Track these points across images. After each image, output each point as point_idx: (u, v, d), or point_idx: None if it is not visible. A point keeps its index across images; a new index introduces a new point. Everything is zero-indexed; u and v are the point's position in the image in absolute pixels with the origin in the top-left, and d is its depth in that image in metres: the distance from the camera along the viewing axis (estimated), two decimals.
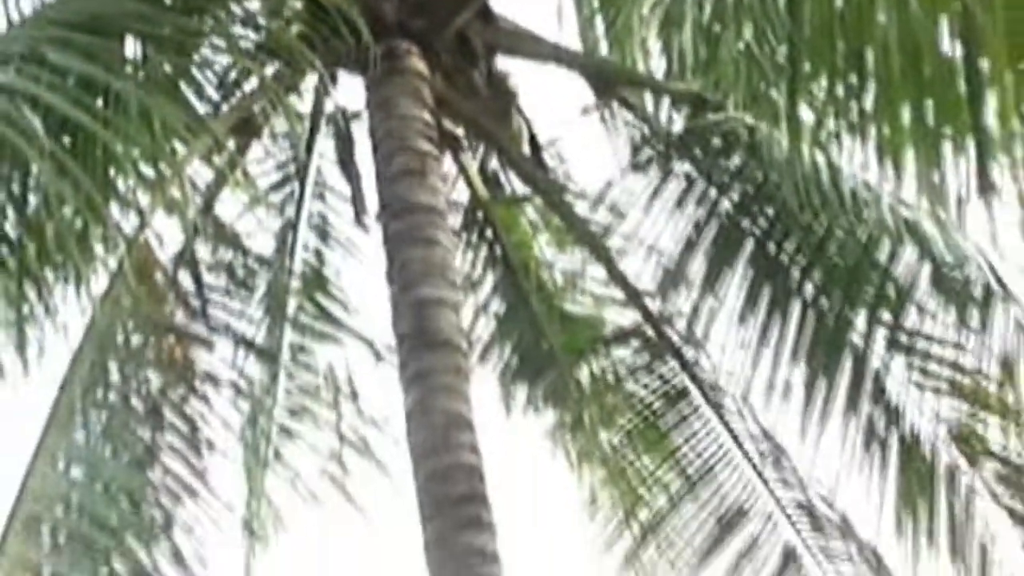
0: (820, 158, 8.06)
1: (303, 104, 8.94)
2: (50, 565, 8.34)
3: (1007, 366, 8.56)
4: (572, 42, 8.81)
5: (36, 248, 7.64)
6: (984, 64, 6.17)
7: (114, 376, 8.71)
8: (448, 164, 8.93)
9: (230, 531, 9.06)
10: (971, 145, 7.10)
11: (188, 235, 8.96)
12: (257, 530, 9.11)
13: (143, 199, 7.97)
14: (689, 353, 9.39)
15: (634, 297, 9.39)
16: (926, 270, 8.50)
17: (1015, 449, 8.84)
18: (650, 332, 9.44)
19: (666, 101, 8.95)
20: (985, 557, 9.00)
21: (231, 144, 8.82)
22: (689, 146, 8.94)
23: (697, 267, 9.03)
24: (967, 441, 8.90)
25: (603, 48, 8.85)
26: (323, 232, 9.34)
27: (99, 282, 8.50)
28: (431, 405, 7.91)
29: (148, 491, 8.66)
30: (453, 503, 7.76)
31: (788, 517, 9.35)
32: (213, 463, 9.08)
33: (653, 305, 9.36)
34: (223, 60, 7.99)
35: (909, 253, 8.49)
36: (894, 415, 8.92)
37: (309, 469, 9.46)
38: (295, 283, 9.31)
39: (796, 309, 8.88)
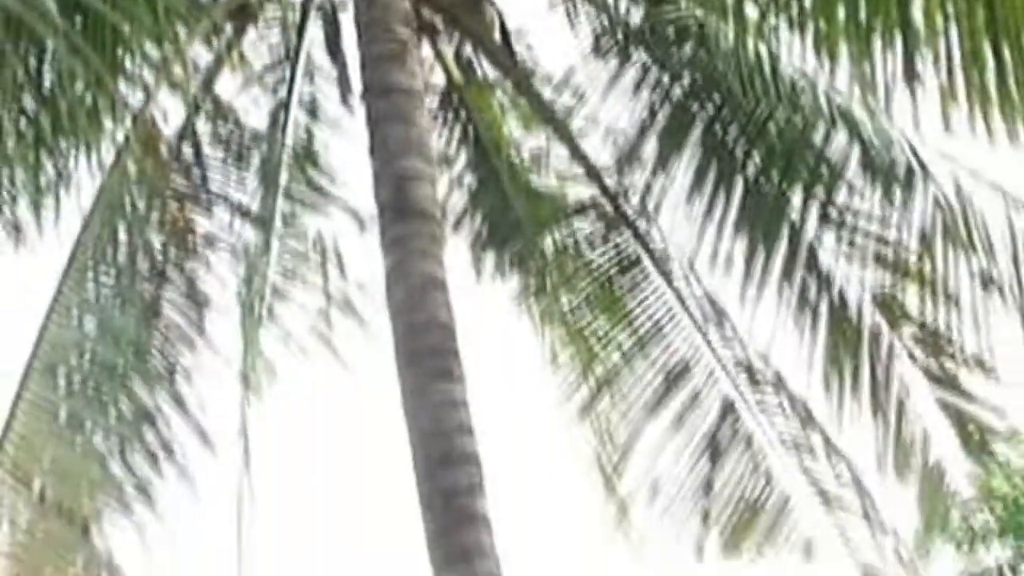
0: (763, 49, 8.06)
1: None
2: (66, 406, 8.38)
3: (925, 239, 8.61)
4: None
5: (51, 120, 7.63)
6: None
7: (122, 237, 8.70)
8: (426, 50, 8.91)
9: (227, 381, 9.09)
10: (898, 39, 7.13)
11: (189, 111, 8.96)
12: (252, 380, 9.11)
13: (148, 77, 7.96)
14: (642, 225, 9.38)
15: (593, 174, 9.38)
16: (856, 152, 8.51)
17: (931, 314, 8.91)
18: (607, 206, 9.41)
19: None
20: (902, 411, 9.08)
21: (229, 28, 8.80)
22: (645, 37, 8.91)
23: (650, 147, 9.04)
24: (888, 306, 8.93)
25: None
26: (312, 111, 9.30)
27: (108, 153, 8.52)
28: (408, 268, 7.96)
29: (153, 343, 8.67)
30: (427, 356, 7.83)
31: (727, 373, 9.37)
32: (212, 319, 9.10)
33: (610, 181, 9.36)
34: None
35: (841, 136, 8.49)
36: (824, 282, 8.96)
37: (299, 326, 9.48)
38: (287, 157, 9.27)
39: (739, 186, 8.90)
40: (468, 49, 9.26)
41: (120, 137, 8.55)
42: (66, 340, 8.46)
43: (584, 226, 9.45)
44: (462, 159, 9.49)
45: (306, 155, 9.32)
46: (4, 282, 8.74)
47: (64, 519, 8.16)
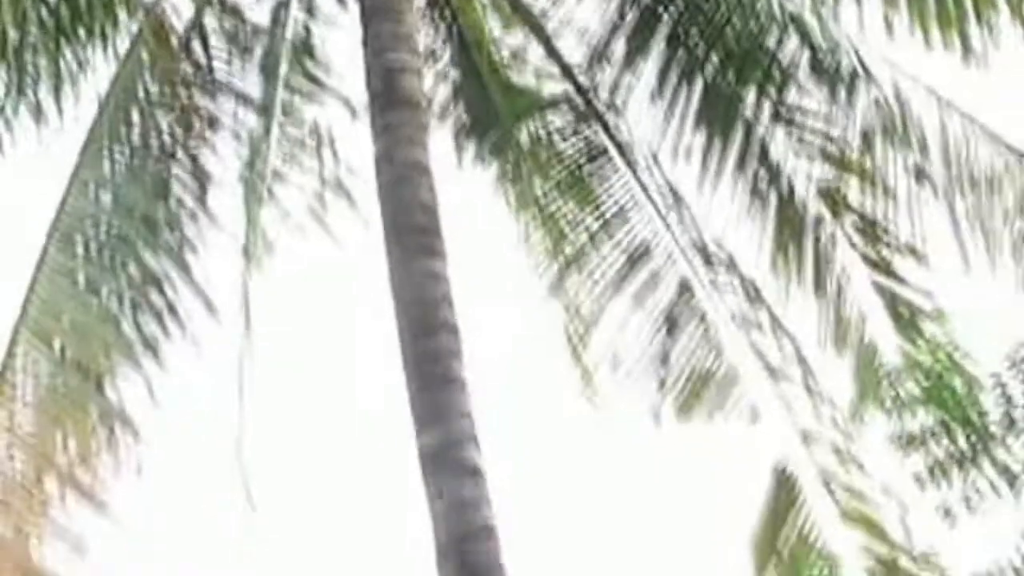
0: None
1: None
2: (83, 273, 8.40)
3: (866, 137, 8.71)
4: None
5: (70, 12, 7.63)
6: None
7: (135, 120, 8.70)
8: None
9: (230, 254, 9.08)
10: None
11: (198, 6, 8.95)
12: (253, 254, 9.11)
13: None
14: (610, 118, 9.40)
15: (566, 71, 9.40)
16: (805, 56, 8.58)
17: (869, 205, 9.02)
18: (578, 100, 9.44)
19: None
20: (841, 293, 9.21)
21: None
22: None
23: (619, 47, 9.09)
24: (831, 197, 9.03)
25: None
26: (310, 8, 9.21)
27: (123, 42, 8.53)
28: (396, 153, 8.02)
29: (162, 217, 8.66)
30: (412, 233, 7.92)
31: (685, 255, 9.40)
32: (216, 197, 9.08)
33: (582, 78, 9.37)
34: None
35: (792, 41, 8.56)
36: (774, 174, 9.06)
37: (296, 205, 9.46)
38: (286, 50, 9.21)
39: (699, 85, 8.98)
40: None
41: (134, 28, 8.58)
42: (83, 212, 8.44)
43: (557, 119, 9.47)
44: (447, 55, 9.47)
45: (304, 49, 9.27)
46: (25, 160, 8.81)
47: (81, 374, 8.21)
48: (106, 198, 8.57)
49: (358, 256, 9.02)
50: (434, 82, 9.44)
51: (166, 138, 8.76)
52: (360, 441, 10.79)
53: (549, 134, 9.47)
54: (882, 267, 9.12)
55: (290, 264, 9.21)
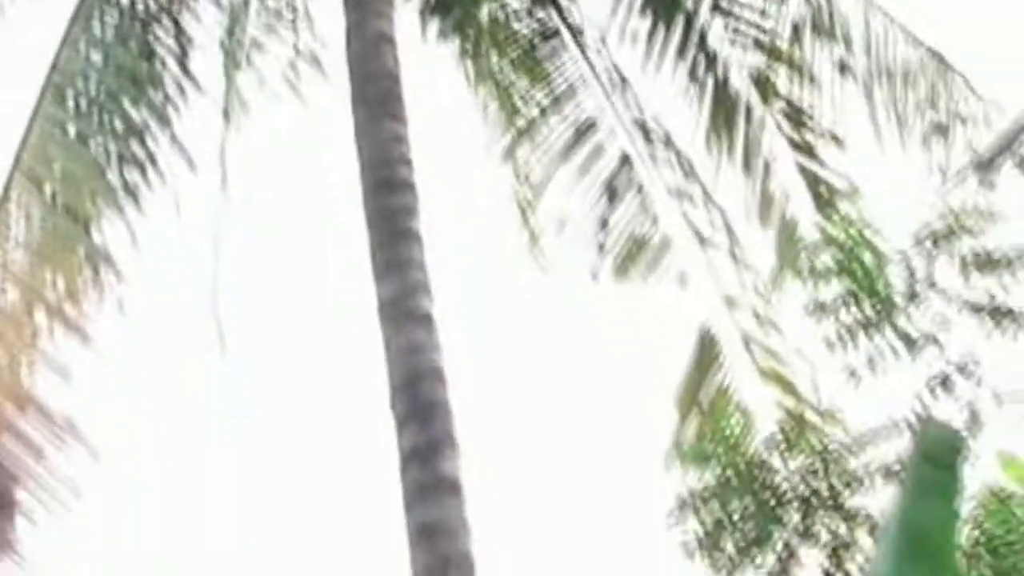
0: None
1: None
2: (73, 125, 8.44)
3: (796, 30, 8.82)
4: None
5: None
6: None
7: None
8: None
9: (211, 119, 9.09)
10: None
11: None
12: (231, 115, 9.11)
13: None
14: (563, 2, 9.45)
15: None
16: None
17: (796, 93, 9.15)
18: None
19: None
20: (767, 171, 9.37)
21: None
22: None
23: None
24: (762, 85, 9.16)
25: None
26: None
27: None
28: (365, 25, 8.11)
29: (147, 76, 8.67)
30: (377, 99, 8.03)
31: (626, 130, 9.46)
32: (198, 60, 9.07)
33: None
34: None
35: None
36: (711, 61, 9.17)
37: (272, 73, 9.47)
38: None
39: None
40: None
41: None
42: (75, 70, 8.47)
43: (514, 1, 9.47)
44: None
45: None
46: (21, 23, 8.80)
47: (70, 218, 8.29)
48: (96, 57, 8.58)
49: (330, 124, 9.07)
50: None
51: (151, 3, 8.74)
52: (329, 297, 10.91)
53: (507, 15, 9.50)
54: (805, 150, 9.27)
55: (266, 134, 9.23)
